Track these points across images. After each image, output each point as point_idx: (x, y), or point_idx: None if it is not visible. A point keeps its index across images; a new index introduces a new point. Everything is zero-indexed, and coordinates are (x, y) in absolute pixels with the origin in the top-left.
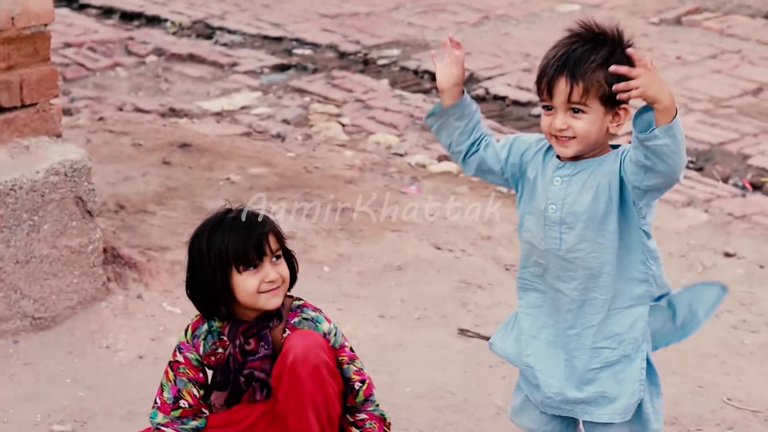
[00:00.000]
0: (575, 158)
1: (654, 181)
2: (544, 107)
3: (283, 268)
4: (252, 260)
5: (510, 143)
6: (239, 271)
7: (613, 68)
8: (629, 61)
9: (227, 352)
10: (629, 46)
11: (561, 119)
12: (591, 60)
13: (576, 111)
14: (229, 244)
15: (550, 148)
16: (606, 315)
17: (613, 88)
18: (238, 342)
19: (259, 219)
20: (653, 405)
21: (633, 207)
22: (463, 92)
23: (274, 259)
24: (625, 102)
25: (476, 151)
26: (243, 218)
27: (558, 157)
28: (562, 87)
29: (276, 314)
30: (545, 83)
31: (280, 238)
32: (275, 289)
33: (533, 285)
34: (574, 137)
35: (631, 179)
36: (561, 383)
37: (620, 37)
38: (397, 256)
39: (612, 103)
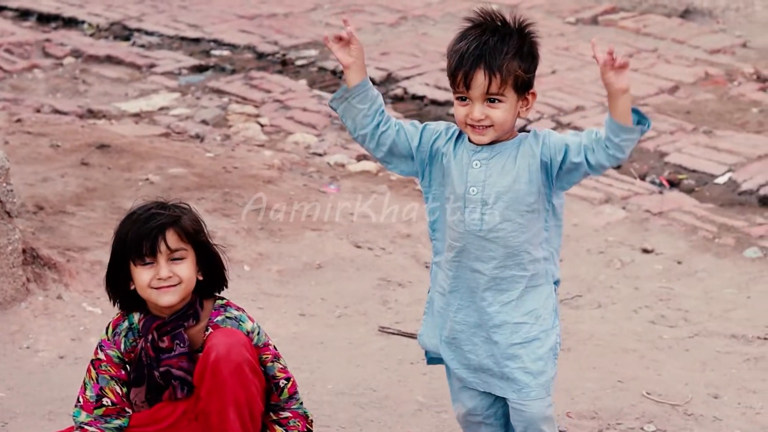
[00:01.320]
0: (491, 143)
1: (600, 173)
2: (458, 98)
3: (181, 267)
4: (144, 255)
5: (420, 131)
6: (135, 264)
7: (612, 50)
8: (537, 50)
9: (139, 346)
10: (532, 34)
11: (479, 110)
12: (505, 51)
13: (492, 101)
14: (128, 235)
15: (461, 134)
16: (522, 292)
17: (616, 64)
18: (150, 337)
19: (163, 214)
20: None
21: (546, 188)
22: (365, 76)
23: (176, 257)
24: (532, 87)
25: (385, 131)
26: (150, 212)
27: (470, 141)
28: (480, 80)
29: (193, 314)
30: (462, 76)
31: (192, 236)
32: (168, 287)
33: (447, 270)
34: (491, 126)
35: (579, 169)
36: (483, 360)
37: (522, 25)
38: (318, 254)
39: (524, 90)
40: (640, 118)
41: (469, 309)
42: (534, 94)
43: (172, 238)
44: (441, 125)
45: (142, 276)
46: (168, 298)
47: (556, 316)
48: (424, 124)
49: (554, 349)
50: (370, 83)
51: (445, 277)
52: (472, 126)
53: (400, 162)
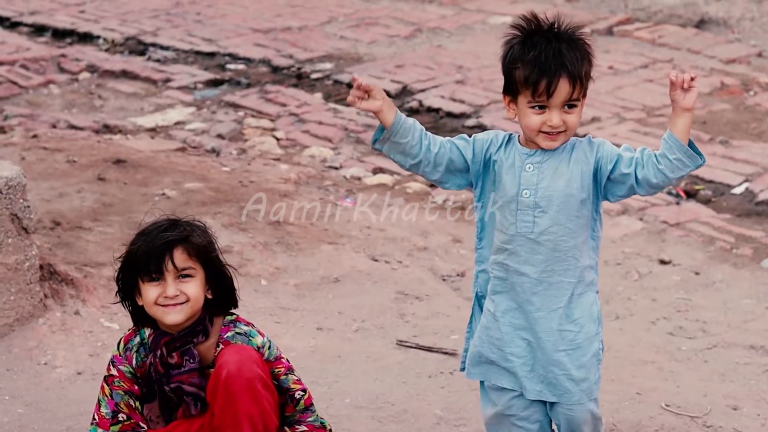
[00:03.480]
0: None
1: (646, 191)
2: (532, 107)
3: (189, 286)
4: (152, 272)
5: (471, 143)
6: (143, 281)
7: (693, 77)
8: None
9: (148, 362)
10: (586, 37)
11: (558, 116)
12: (579, 57)
13: (570, 107)
14: (137, 251)
15: (510, 140)
16: (570, 299)
17: (686, 84)
18: (159, 353)
19: (174, 233)
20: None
21: (594, 197)
22: (396, 110)
23: (184, 275)
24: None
25: (437, 151)
26: (161, 229)
27: (523, 146)
28: (565, 88)
29: (202, 330)
30: (545, 85)
31: (201, 255)
32: (174, 305)
33: (494, 272)
34: (565, 131)
35: (626, 181)
36: (528, 365)
37: (576, 29)
38: (334, 268)
39: (586, 93)
40: (697, 152)
41: (516, 312)
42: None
43: (180, 256)
44: (489, 134)
45: (149, 293)
46: (173, 317)
47: (600, 324)
48: (472, 136)
49: (597, 355)
50: (403, 115)
51: (492, 280)
52: (546, 133)
53: (456, 177)
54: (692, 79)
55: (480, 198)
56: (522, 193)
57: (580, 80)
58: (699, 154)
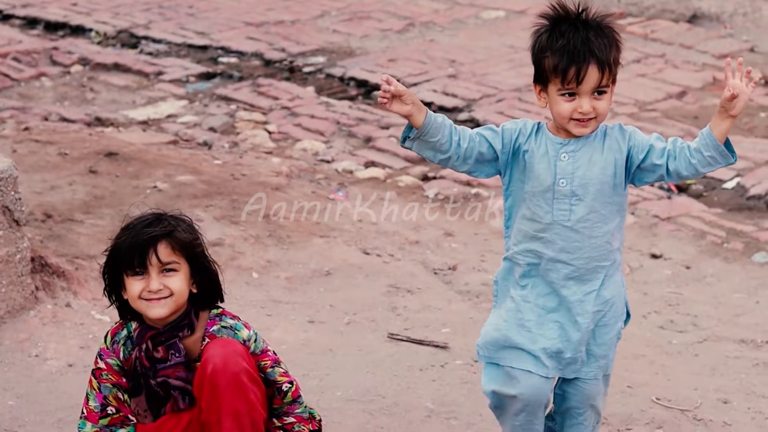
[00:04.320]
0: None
1: (674, 181)
2: (562, 94)
3: (173, 280)
4: (135, 266)
5: (500, 133)
6: (127, 275)
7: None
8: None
9: (133, 356)
10: (613, 24)
11: (588, 103)
12: (607, 44)
13: (600, 93)
14: (122, 245)
15: (538, 129)
16: (603, 281)
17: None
18: (144, 347)
19: (158, 228)
20: None
21: (624, 184)
22: (425, 110)
23: (168, 269)
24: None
25: (467, 146)
26: (145, 223)
27: (555, 135)
28: (594, 75)
29: (187, 324)
30: (574, 72)
31: (186, 249)
32: (158, 299)
33: (523, 259)
34: (595, 117)
35: (656, 171)
36: (553, 344)
37: (603, 16)
38: (326, 261)
39: (615, 80)
40: (730, 151)
41: (551, 296)
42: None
43: (164, 250)
44: (518, 123)
45: (134, 287)
46: (157, 311)
47: (626, 303)
48: (500, 126)
49: (618, 334)
50: (433, 114)
51: (523, 267)
52: (578, 120)
53: (486, 167)
54: (749, 75)
55: (508, 187)
56: (558, 183)
57: (609, 67)
58: (732, 153)
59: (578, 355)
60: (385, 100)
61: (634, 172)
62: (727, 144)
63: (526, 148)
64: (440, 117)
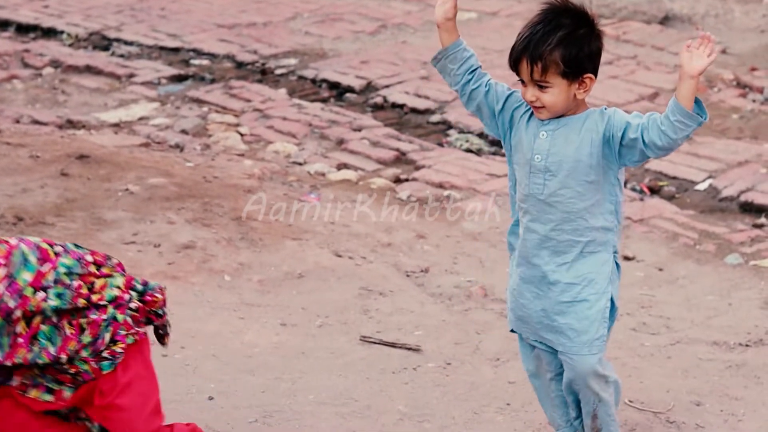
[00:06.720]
0: (559, 116)
1: (657, 153)
2: (520, 80)
3: None
4: None
5: (506, 97)
6: None
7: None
8: (589, 39)
9: None
10: (595, 24)
11: (531, 92)
12: (548, 42)
13: (541, 86)
14: None
15: None
16: (578, 256)
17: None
18: None
19: None
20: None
21: (610, 162)
22: (457, 37)
23: None
24: (591, 71)
25: (475, 88)
26: None
27: None
28: (524, 67)
29: None
30: (511, 63)
31: None
32: None
33: (514, 230)
34: (544, 107)
35: (635, 146)
36: (535, 312)
37: (586, 15)
38: (298, 264)
39: (575, 76)
40: (700, 111)
41: (528, 265)
42: (592, 78)
43: None
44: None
45: None
46: None
47: (610, 283)
48: (512, 90)
49: (603, 312)
50: (462, 44)
51: (514, 237)
52: (532, 104)
53: (487, 120)
54: (710, 41)
55: (509, 154)
56: (534, 158)
57: (541, 62)
58: (703, 112)
59: (555, 325)
60: None
61: (619, 151)
62: (698, 104)
63: (519, 122)
64: (469, 53)
